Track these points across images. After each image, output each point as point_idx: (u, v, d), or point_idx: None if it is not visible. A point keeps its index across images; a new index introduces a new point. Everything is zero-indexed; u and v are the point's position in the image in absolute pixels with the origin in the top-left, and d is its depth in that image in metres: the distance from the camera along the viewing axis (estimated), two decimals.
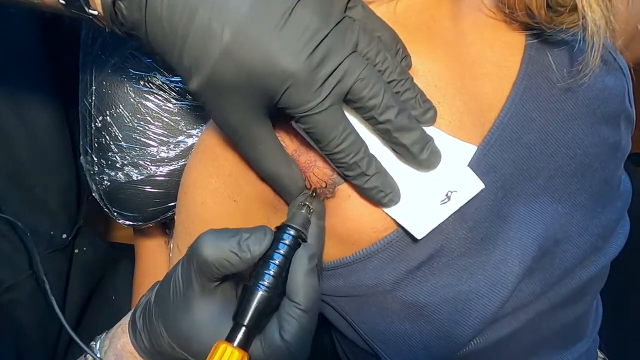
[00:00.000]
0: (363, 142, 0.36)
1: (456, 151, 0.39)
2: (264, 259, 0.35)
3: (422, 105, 0.37)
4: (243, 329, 0.33)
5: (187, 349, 0.36)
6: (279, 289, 0.35)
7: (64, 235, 0.70)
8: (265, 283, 0.34)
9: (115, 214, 0.55)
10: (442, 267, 0.40)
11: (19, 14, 0.63)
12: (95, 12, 0.36)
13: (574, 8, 0.38)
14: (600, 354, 0.60)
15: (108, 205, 0.55)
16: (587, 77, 0.40)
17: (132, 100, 0.52)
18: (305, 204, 0.38)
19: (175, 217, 0.46)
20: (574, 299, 0.48)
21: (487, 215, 0.40)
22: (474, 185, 0.38)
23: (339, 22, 0.34)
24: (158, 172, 0.54)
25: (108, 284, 0.77)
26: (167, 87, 0.52)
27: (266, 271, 0.34)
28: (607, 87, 0.44)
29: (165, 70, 0.52)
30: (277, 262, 0.35)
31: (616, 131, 0.46)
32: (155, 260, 0.60)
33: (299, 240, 0.36)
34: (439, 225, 0.39)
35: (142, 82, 0.52)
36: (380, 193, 0.37)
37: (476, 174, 0.39)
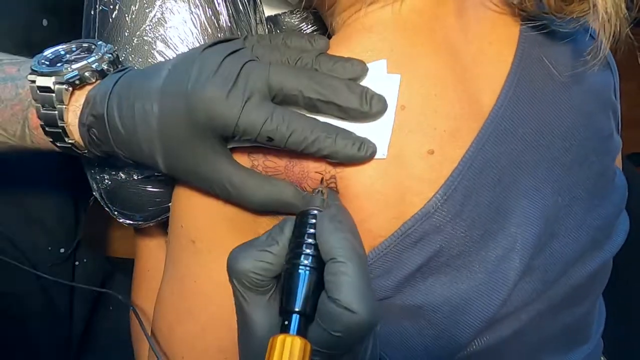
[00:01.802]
0: (306, 117, 0.38)
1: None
2: (295, 245, 0.34)
3: (344, 66, 0.39)
4: (294, 315, 0.31)
5: None
6: (318, 266, 0.33)
7: (62, 250, 0.71)
8: (301, 262, 0.32)
9: (115, 213, 0.55)
10: (441, 266, 0.40)
11: None
12: (73, 141, 0.44)
13: None
14: (602, 358, 0.59)
15: (109, 205, 0.55)
16: (596, 67, 0.40)
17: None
18: (319, 190, 0.37)
19: (170, 215, 0.47)
20: (574, 299, 0.47)
21: (486, 211, 0.40)
22: (392, 80, 0.39)
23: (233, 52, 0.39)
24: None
25: (107, 296, 0.78)
26: None
27: (298, 251, 0.33)
28: (598, 81, 0.44)
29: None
30: (308, 241, 0.33)
31: (608, 123, 0.46)
32: (155, 260, 0.60)
33: None
34: (437, 225, 0.39)
35: None
36: (354, 147, 0.37)
37: (472, 170, 0.39)
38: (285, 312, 0.32)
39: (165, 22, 0.51)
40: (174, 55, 0.51)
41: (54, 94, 0.42)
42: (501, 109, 0.40)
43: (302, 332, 0.31)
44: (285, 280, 0.33)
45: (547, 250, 0.43)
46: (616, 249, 0.49)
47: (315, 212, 0.36)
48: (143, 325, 0.45)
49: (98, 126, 0.41)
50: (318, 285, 0.32)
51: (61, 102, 0.42)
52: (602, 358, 0.57)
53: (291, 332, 0.30)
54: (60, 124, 0.43)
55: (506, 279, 0.41)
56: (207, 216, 0.43)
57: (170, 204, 0.55)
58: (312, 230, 0.34)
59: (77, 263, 0.76)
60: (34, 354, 0.69)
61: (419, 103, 0.39)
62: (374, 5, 0.42)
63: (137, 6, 0.51)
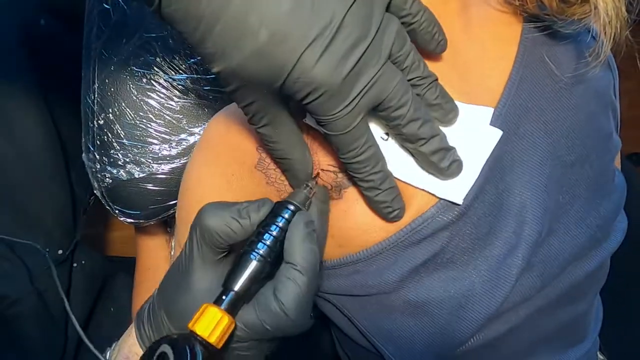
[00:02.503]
0: (381, 156, 0.36)
1: (470, 113, 0.39)
2: (262, 229, 0.35)
3: (444, 108, 0.37)
4: (231, 293, 0.33)
5: (183, 327, 0.35)
6: (272, 260, 0.34)
7: (60, 252, 0.71)
8: (259, 251, 0.34)
9: (117, 211, 0.55)
10: (446, 262, 0.40)
11: None
12: None
13: None
14: (600, 356, 0.60)
15: (110, 203, 0.55)
16: (597, 68, 0.40)
17: (134, 97, 0.52)
18: (307, 185, 0.38)
19: (176, 215, 0.46)
20: (572, 296, 0.47)
21: (490, 209, 0.40)
22: (492, 135, 0.39)
23: (378, 28, 0.32)
24: (160, 170, 0.54)
25: (106, 296, 0.77)
26: (169, 85, 0.53)
27: (261, 240, 0.34)
28: (598, 80, 0.45)
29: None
30: (273, 233, 0.35)
31: (608, 123, 0.46)
32: (156, 259, 0.60)
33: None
34: (445, 223, 0.39)
35: (144, 80, 0.52)
36: (387, 208, 0.37)
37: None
38: (225, 287, 0.33)
39: None
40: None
41: None
42: (504, 107, 0.41)
43: (233, 310, 0.33)
44: (237, 259, 0.34)
45: (545, 246, 0.44)
46: (615, 247, 0.49)
47: (293, 208, 0.36)
48: None
49: None
50: (264, 275, 0.34)
51: None
52: (599, 355, 0.57)
53: (222, 306, 0.32)
54: None
55: (509, 275, 0.41)
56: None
57: (170, 203, 0.55)
58: (281, 224, 0.35)
59: (75, 265, 0.75)
60: (27, 356, 0.69)
61: None
62: None
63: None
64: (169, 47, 0.51)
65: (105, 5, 0.51)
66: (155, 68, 0.52)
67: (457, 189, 0.38)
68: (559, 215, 0.44)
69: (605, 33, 0.38)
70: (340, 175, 0.39)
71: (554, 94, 0.43)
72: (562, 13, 0.40)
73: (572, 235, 0.45)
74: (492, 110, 0.39)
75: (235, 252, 0.36)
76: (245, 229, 0.34)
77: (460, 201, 0.38)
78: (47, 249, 0.70)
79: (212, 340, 0.32)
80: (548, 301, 0.46)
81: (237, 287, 0.33)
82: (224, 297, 0.33)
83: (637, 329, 0.69)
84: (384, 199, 0.37)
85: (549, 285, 0.45)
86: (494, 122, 0.41)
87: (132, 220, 0.55)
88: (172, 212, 0.57)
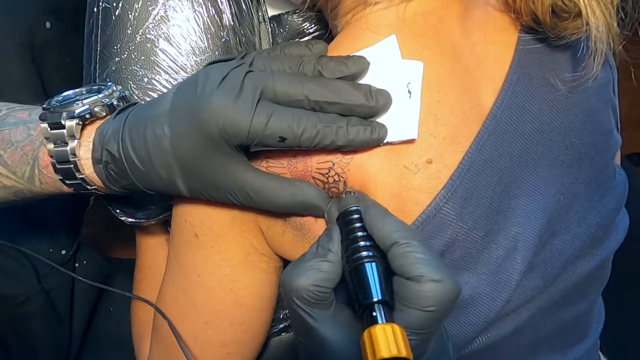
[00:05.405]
0: (314, 113, 0.38)
1: (384, 53, 0.40)
2: (349, 245, 0.33)
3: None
4: (377, 306, 0.30)
5: None
6: (380, 255, 0.33)
7: (63, 252, 0.71)
8: (363, 256, 0.32)
9: (117, 211, 0.55)
10: None
11: None
12: (83, 175, 0.44)
13: (578, 14, 0.39)
14: (602, 357, 0.60)
15: (110, 203, 0.55)
16: (590, 81, 0.41)
17: (135, 97, 0.52)
18: (347, 191, 0.38)
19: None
20: (574, 296, 0.47)
21: (487, 212, 0.40)
22: (416, 67, 0.39)
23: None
24: None
25: (106, 296, 0.78)
26: (170, 85, 0.53)
27: (355, 246, 0.33)
28: (599, 78, 0.45)
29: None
30: (359, 236, 0.33)
31: (608, 120, 0.46)
32: (156, 258, 0.60)
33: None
34: (438, 229, 0.39)
35: (145, 80, 0.52)
36: (366, 132, 0.37)
37: (471, 171, 0.40)
38: (366, 307, 0.31)
39: (168, 20, 0.51)
40: (177, 53, 0.51)
41: (65, 130, 0.43)
42: (500, 109, 0.41)
43: (390, 319, 0.30)
44: (354, 278, 0.32)
45: (547, 247, 0.44)
46: (616, 245, 0.49)
47: (356, 207, 0.36)
48: (174, 330, 0.45)
49: (115, 161, 0.41)
50: (386, 273, 0.33)
51: (72, 137, 0.43)
52: (600, 355, 0.57)
53: (381, 321, 0.30)
54: (72, 159, 0.43)
55: (509, 279, 0.41)
56: (210, 209, 0.43)
57: (171, 202, 0.55)
58: (359, 225, 0.34)
59: (77, 265, 0.75)
60: (35, 356, 0.69)
61: (421, 111, 0.39)
62: (378, 5, 0.42)
63: (140, 4, 0.51)
64: (170, 45, 0.52)
65: (106, 5, 0.52)
66: (156, 68, 0.52)
67: (407, 126, 0.38)
68: (561, 215, 0.44)
69: (597, 47, 0.39)
70: (346, 184, 0.39)
71: (552, 94, 0.43)
72: (555, 27, 0.41)
73: (573, 235, 0.45)
74: (394, 37, 0.40)
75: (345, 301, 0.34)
76: (334, 262, 0.33)
77: (415, 136, 0.38)
78: (51, 249, 0.70)
79: (404, 353, 0.28)
80: (549, 301, 0.46)
81: (376, 297, 0.31)
82: (374, 314, 0.30)
83: (638, 330, 0.69)
84: (355, 128, 0.37)
85: (550, 286, 0.45)
86: (490, 125, 0.41)
87: (132, 220, 0.55)
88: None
